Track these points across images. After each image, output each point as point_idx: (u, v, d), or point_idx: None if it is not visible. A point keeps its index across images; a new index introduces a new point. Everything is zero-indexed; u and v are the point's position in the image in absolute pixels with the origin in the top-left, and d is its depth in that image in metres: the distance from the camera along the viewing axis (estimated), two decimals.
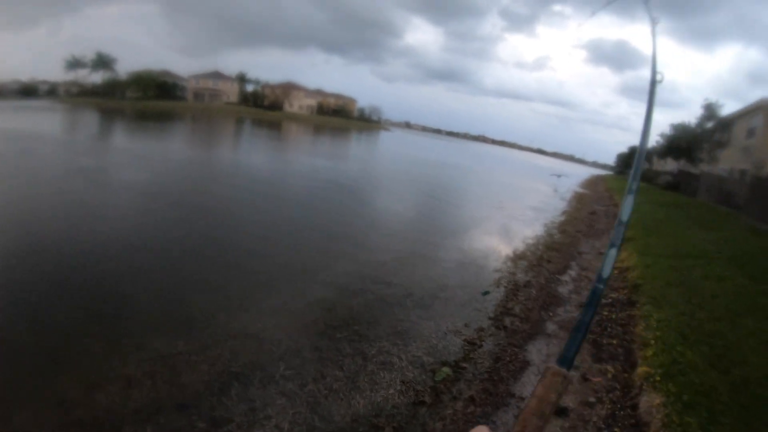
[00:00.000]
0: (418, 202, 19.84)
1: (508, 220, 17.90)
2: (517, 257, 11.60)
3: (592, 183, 49.72)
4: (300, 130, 62.93)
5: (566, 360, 1.43)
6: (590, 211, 23.06)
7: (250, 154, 29.04)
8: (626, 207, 1.91)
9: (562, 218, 19.46)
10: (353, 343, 6.28)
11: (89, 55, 74.50)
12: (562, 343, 5.25)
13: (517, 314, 7.75)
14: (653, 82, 2.64)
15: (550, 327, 7.34)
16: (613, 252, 1.73)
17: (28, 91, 69.94)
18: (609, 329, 7.21)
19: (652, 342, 6.23)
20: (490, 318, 7.57)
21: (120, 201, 13.68)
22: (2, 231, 9.90)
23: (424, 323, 7.16)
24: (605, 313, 7.88)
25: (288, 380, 5.27)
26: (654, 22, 3.90)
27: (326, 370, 5.54)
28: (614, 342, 6.74)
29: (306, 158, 30.15)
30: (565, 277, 10.18)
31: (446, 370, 5.72)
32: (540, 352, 6.44)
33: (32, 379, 5.15)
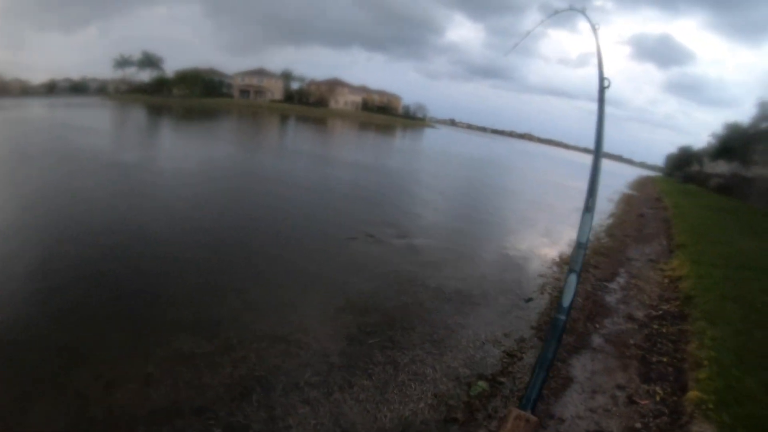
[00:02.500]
0: (465, 201, 19.27)
1: (555, 221, 17.20)
2: (562, 261, 10.97)
3: (640, 184, 47.86)
4: (345, 127, 62.86)
5: (529, 401, 1.33)
6: (639, 213, 22.04)
7: (296, 152, 28.83)
8: (584, 227, 1.78)
9: (610, 221, 18.57)
10: (385, 351, 5.92)
11: (137, 54, 77.48)
12: (609, 359, 4.78)
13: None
14: (601, 89, 2.63)
15: (596, 340, 6.77)
16: (573, 278, 1.68)
17: (78, 89, 72.76)
18: (659, 345, 6.62)
19: (706, 363, 5.64)
20: (532, 328, 7.06)
21: (170, 193, 13.82)
22: (48, 218, 10.07)
23: (461, 331, 6.73)
24: (655, 326, 7.29)
25: (313, 387, 4.96)
26: (595, 28, 3.77)
27: (354, 379, 5.20)
28: (664, 360, 6.16)
29: (354, 154, 29.77)
30: (613, 285, 9.54)
31: (482, 384, 5.27)
32: (584, 368, 5.89)
33: (55, 370, 5.06)
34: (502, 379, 5.47)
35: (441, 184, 22.78)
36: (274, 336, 6.01)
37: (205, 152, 24.42)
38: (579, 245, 1.56)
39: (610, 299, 8.61)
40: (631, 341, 6.71)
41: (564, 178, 34.73)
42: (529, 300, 8.26)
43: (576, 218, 13.26)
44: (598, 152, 2.07)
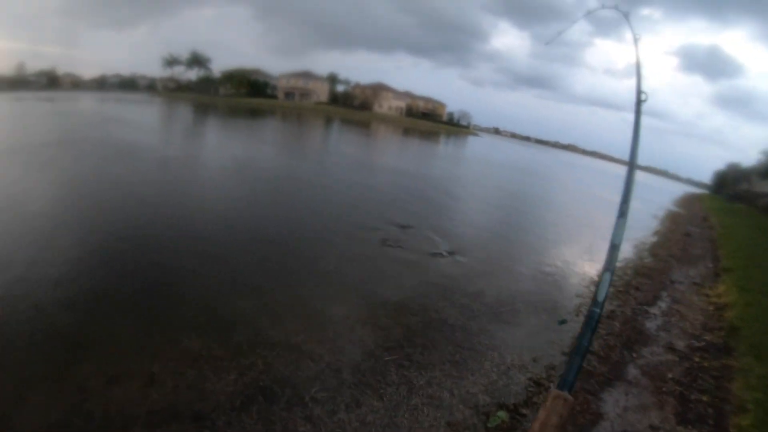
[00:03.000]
0: (504, 213, 18.48)
1: (596, 237, 16.32)
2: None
3: (686, 201, 45.47)
4: (389, 132, 62.63)
5: (566, 383, 1.46)
6: (684, 232, 20.86)
7: (338, 154, 28.54)
8: (618, 230, 2.04)
9: (654, 239, 17.55)
10: (401, 369, 5.55)
11: (185, 53, 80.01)
12: (644, 394, 4.28)
13: (596, 352, 6.60)
14: (638, 102, 2.65)
15: (632, 372, 6.20)
16: (607, 277, 1.87)
17: (127, 85, 75.55)
18: (699, 381, 6.00)
19: (751, 407, 5.09)
20: (563, 354, 6.52)
21: (208, 187, 13.91)
22: (85, 207, 10.28)
23: (486, 353, 6.27)
24: (696, 359, 6.67)
25: (318, 404, 4.66)
26: (636, 38, 3.45)
27: (363, 398, 4.87)
28: (704, 399, 5.56)
29: (397, 160, 29.19)
30: (654, 310, 8.85)
31: (502, 414, 4.83)
32: (617, 404, 5.35)
33: (59, 360, 4.99)
34: (525, 411, 4.99)
35: (481, 194, 22.17)
36: (288, 344, 5.76)
37: (247, 150, 24.62)
38: (613, 246, 1.93)
39: (650, 325, 7.99)
40: (670, 375, 6.13)
41: (608, 192, 33.36)
42: (563, 322, 7.72)
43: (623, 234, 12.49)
44: (632, 162, 2.41)
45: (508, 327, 7.26)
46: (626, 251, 13.84)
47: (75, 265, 7.51)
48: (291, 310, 6.76)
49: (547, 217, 19.87)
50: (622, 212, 2.01)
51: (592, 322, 1.63)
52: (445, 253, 10.56)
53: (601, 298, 1.70)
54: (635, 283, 10.32)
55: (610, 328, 7.50)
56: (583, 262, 12.04)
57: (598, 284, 1.69)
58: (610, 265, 1.82)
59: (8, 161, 14.90)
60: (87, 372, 4.79)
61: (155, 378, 4.79)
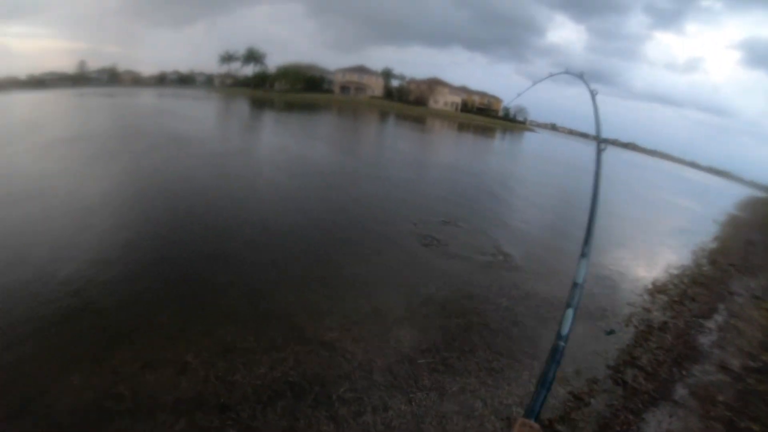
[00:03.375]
0: (561, 213, 17.67)
1: (654, 241, 15.52)
2: (656, 290, 9.70)
3: (750, 206, 42.54)
4: (444, 127, 61.86)
5: (533, 412, 1.54)
6: (747, 239, 19.46)
7: (393, 150, 28.21)
8: (580, 269, 2.12)
9: (714, 245, 16.41)
10: (434, 374, 5.38)
11: (241, 50, 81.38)
12: (690, 418, 3.94)
13: (643, 367, 6.20)
14: (598, 151, 3.01)
15: (680, 391, 5.74)
16: (570, 313, 1.89)
17: (185, 81, 78.01)
18: (752, 407, 5.47)
19: None
20: (608, 367, 6.15)
21: (264, 180, 14.14)
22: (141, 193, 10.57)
23: (525, 362, 5.95)
24: (751, 381, 6.13)
25: (344, 404, 4.58)
26: (593, 94, 3.75)
27: (392, 401, 4.74)
28: (755, 429, 5.11)
29: (452, 155, 28.45)
30: (710, 324, 8.23)
31: None
32: (660, 426, 4.99)
33: (100, 343, 5.15)
34: (560, 428, 4.73)
35: (538, 192, 21.43)
36: (321, 341, 5.72)
37: (302, 144, 24.84)
38: (575, 285, 2.04)
39: (704, 341, 7.43)
40: (720, 398, 5.65)
41: (669, 194, 31.74)
42: (611, 332, 7.31)
43: (679, 239, 11.66)
44: (594, 206, 2.57)
45: (551, 335, 6.92)
46: (684, 257, 13.09)
47: (125, 250, 7.79)
48: (329, 306, 6.71)
49: (607, 220, 19.00)
50: (584, 253, 2.16)
51: (556, 355, 1.69)
52: (492, 253, 10.27)
53: (564, 332, 1.78)
54: (691, 293, 9.66)
55: (661, 341, 7.05)
56: (637, 267, 11.41)
57: (561, 319, 1.81)
58: (571, 302, 1.90)
59: (71, 149, 15.65)
60: (124, 356, 4.92)
61: (188, 367, 4.86)
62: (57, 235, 8.19)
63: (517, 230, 13.13)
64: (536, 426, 1.49)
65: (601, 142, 3.00)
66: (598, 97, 3.70)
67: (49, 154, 15.08)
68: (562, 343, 1.75)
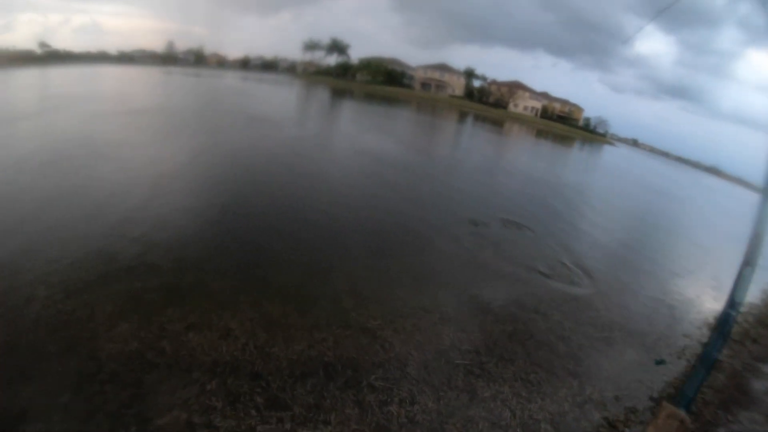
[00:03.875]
0: (631, 236, 16.73)
1: (724, 273, 14.53)
2: (714, 325, 9.14)
3: None
4: (522, 132, 60.62)
5: (684, 399, 1.35)
6: None
7: (473, 149, 27.87)
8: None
9: None
10: (469, 376, 5.31)
11: (325, 40, 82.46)
12: None
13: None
14: None
15: None
16: (747, 272, 1.61)
17: (269, 66, 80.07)
18: None
19: None
20: (651, 398, 5.85)
21: (336, 168, 14.35)
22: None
23: (564, 379, 5.76)
24: None
25: (373, 391, 4.62)
26: None
27: (420, 397, 4.72)
28: None
29: (531, 164, 27.78)
30: None
31: None
32: None
33: (151, 301, 5.42)
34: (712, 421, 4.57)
35: (610, 212, 20.61)
36: (363, 327, 5.79)
37: (379, 136, 24.88)
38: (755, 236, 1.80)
39: (758, 387, 6.93)
40: None
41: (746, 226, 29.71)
42: (661, 362, 6.95)
43: (754, 276, 10.83)
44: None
45: (597, 355, 6.68)
46: (751, 294, 12.26)
47: (191, 218, 8.18)
48: (378, 295, 6.78)
49: (674, 247, 18.05)
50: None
51: (725, 327, 1.48)
52: (551, 265, 10.01)
53: (739, 298, 1.42)
54: (753, 334, 9.05)
55: (712, 380, 6.67)
56: (698, 300, 10.80)
57: (736, 282, 1.41)
58: (751, 258, 1.57)
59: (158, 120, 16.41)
60: (172, 315, 5.18)
61: (230, 333, 5.04)
62: (133, 198, 8.70)
63: (583, 247, 12.66)
64: (686, 419, 1.19)
65: None
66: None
67: (134, 123, 15.94)
68: (732, 312, 1.49)
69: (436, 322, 6.35)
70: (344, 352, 5.17)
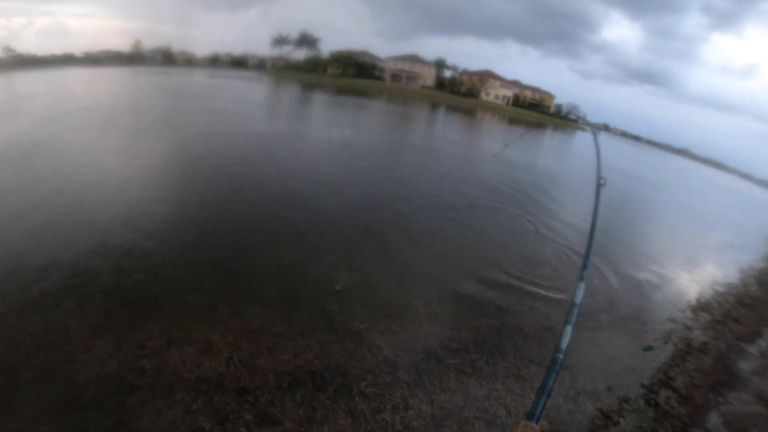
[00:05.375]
0: (611, 219, 16.92)
1: (702, 255, 14.70)
2: (699, 307, 9.18)
3: None
4: (494, 120, 60.94)
5: (533, 416, 1.69)
6: None
7: (447, 138, 27.80)
8: (579, 291, 2.31)
9: (763, 265, 15.47)
10: (461, 376, 5.23)
11: (294, 34, 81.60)
12: None
13: (678, 389, 5.82)
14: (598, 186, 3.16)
15: (713, 419, 5.32)
16: (568, 329, 2.05)
17: (238, 63, 78.70)
18: None
19: None
20: (642, 386, 5.81)
21: (310, 162, 14.07)
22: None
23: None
24: None
25: (365, 399, 4.49)
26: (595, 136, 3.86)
27: (413, 401, 4.61)
28: None
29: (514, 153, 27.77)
30: (752, 349, 7.74)
31: None
32: None
33: (127, 317, 5.21)
34: None
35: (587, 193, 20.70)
36: (350, 331, 5.66)
37: (352, 128, 24.68)
38: (573, 305, 2.32)
39: (744, 367, 6.98)
40: (754, 431, 5.35)
41: (720, 206, 30.22)
42: (649, 349, 6.97)
43: (728, 256, 11.03)
44: (590, 244, 2.90)
45: (586, 346, 6.63)
46: (731, 274, 12.44)
47: (166, 222, 7.92)
48: (361, 296, 6.64)
49: (660, 230, 18.17)
50: (582, 277, 2.44)
51: (555, 365, 1.93)
52: (537, 251, 9.97)
53: (563, 345, 2.01)
54: (735, 314, 9.15)
55: (699, 363, 6.69)
56: (684, 283, 10.87)
57: (561, 334, 2.05)
58: (570, 319, 2.18)
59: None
60: (151, 330, 4.98)
61: (212, 347, 4.87)
62: (97, 204, 8.43)
63: (563, 228, 12.64)
64: (537, 428, 1.61)
65: (600, 178, 3.31)
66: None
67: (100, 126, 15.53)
68: (560, 356, 1.97)
69: (423, 321, 6.26)
70: (332, 359, 5.03)
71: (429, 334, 5.98)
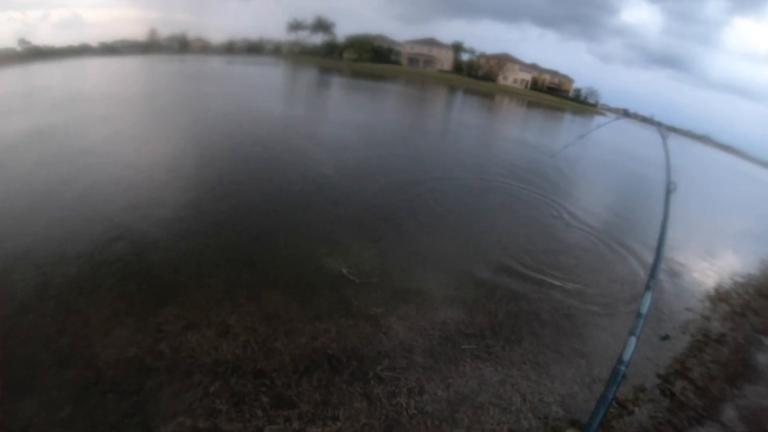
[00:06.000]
0: (628, 205, 16.64)
1: (721, 244, 14.43)
2: (718, 297, 9.09)
3: None
4: (512, 104, 60.35)
5: (590, 428, 1.74)
6: None
7: (464, 122, 27.66)
8: (645, 301, 2.30)
9: None
10: (477, 361, 5.22)
11: (309, 19, 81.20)
12: None
13: (695, 380, 5.74)
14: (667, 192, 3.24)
15: (729, 413, 5.24)
16: (632, 340, 2.12)
17: (254, 49, 78.41)
18: None
19: None
20: (658, 375, 5.75)
21: (327, 144, 14.09)
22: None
23: (573, 360, 5.68)
24: None
25: (381, 383, 4.51)
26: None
27: (429, 385, 4.63)
28: None
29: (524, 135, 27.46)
30: None
31: None
32: None
33: (145, 302, 5.26)
34: None
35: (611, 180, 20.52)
36: (366, 315, 5.68)
37: (368, 112, 24.56)
38: (638, 315, 2.15)
39: (762, 360, 6.91)
40: None
41: (741, 193, 29.56)
42: (666, 338, 6.88)
43: (747, 245, 10.69)
44: (660, 248, 2.84)
45: (603, 334, 6.59)
46: (750, 265, 12.21)
47: (185, 207, 8.00)
48: (378, 279, 6.64)
49: (679, 216, 17.72)
50: (649, 286, 2.29)
51: (617, 377, 1.82)
52: (556, 227, 9.89)
53: (626, 358, 1.91)
54: (755, 306, 8.98)
55: (717, 354, 6.61)
56: (703, 272, 10.66)
57: (624, 346, 1.99)
58: (635, 331, 2.05)
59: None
60: (169, 314, 5.03)
61: (230, 330, 4.92)
62: (116, 189, 8.52)
63: (583, 216, 12.49)
64: None
65: (670, 183, 3.19)
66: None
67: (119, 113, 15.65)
68: (622, 368, 1.93)
69: (440, 306, 6.23)
70: (348, 342, 5.06)
71: (445, 318, 5.99)
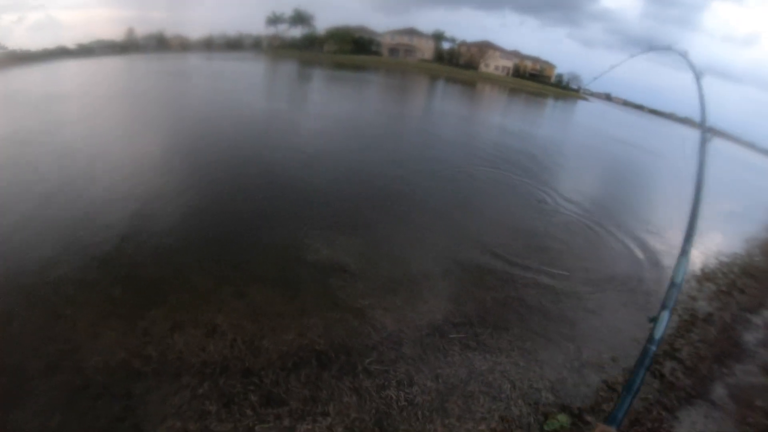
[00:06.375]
0: (613, 185, 16.66)
1: (705, 224, 14.36)
2: (704, 277, 9.18)
3: None
4: (494, 92, 60.43)
5: (615, 420, 1.48)
6: None
7: (445, 111, 27.56)
8: (679, 267, 2.02)
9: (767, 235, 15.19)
10: (465, 350, 5.24)
11: (288, 12, 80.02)
12: (726, 421, 3.69)
13: (683, 360, 5.80)
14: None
15: (719, 391, 5.32)
16: (665, 315, 1.93)
17: (234, 45, 77.04)
18: None
19: None
20: None
21: (306, 138, 13.97)
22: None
23: (561, 344, 5.73)
24: None
25: (369, 376, 4.52)
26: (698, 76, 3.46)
27: (418, 376, 4.64)
28: None
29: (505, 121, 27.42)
30: (757, 320, 7.70)
31: (563, 418, 4.37)
32: (693, 427, 4.66)
33: (132, 304, 5.23)
34: (589, 418, 4.47)
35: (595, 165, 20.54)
36: (353, 308, 5.68)
37: (351, 104, 24.42)
38: (672, 284, 1.92)
39: (749, 338, 6.94)
40: (759, 403, 5.30)
41: (722, 172, 29.83)
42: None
43: (731, 225, 10.79)
44: (696, 204, 2.47)
45: (591, 317, 6.64)
46: (735, 244, 12.35)
47: (169, 206, 7.91)
48: (364, 271, 6.65)
49: (660, 196, 17.87)
50: (684, 251, 1.98)
51: (646, 359, 1.55)
52: (539, 220, 9.92)
53: (657, 336, 1.67)
54: (740, 284, 9.09)
55: (705, 334, 6.68)
56: (692, 254, 10.69)
57: (655, 322, 1.73)
58: (668, 303, 1.79)
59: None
60: (155, 316, 5.00)
61: (216, 330, 4.89)
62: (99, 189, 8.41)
63: (569, 195, 12.51)
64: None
65: (706, 131, 2.96)
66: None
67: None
68: (653, 347, 1.70)
69: (427, 296, 6.30)
70: (335, 337, 5.07)
71: (433, 308, 6.01)
